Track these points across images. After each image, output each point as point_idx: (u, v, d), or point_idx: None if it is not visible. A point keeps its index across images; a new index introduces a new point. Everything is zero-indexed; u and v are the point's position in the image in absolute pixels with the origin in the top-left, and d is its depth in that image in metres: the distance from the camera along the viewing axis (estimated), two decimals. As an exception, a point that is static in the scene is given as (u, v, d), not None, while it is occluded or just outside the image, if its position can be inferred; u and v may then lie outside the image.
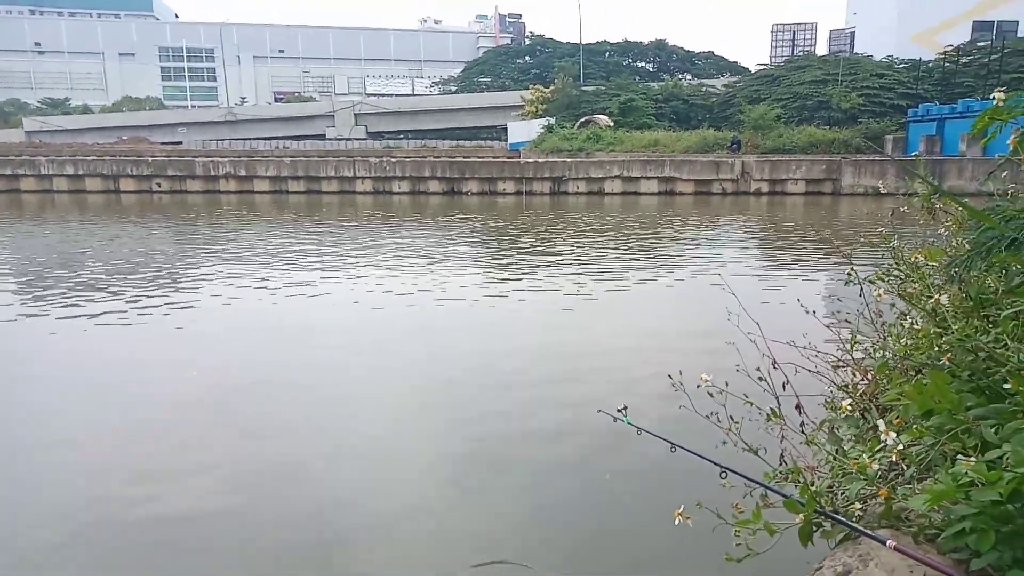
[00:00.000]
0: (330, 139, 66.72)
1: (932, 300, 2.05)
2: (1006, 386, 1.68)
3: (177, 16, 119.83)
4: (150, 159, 34.12)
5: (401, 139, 67.88)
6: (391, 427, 5.96)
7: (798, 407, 2.67)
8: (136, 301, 10.39)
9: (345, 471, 5.18)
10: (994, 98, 2.34)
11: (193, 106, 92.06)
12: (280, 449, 5.50)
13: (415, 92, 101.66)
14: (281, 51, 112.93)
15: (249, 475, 5.09)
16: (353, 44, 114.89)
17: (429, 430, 5.93)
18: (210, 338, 8.72)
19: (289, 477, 5.04)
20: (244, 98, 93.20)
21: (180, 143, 62.77)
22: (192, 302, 10.55)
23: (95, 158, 34.57)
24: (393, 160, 33.41)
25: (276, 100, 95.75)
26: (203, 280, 12.20)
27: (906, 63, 43.53)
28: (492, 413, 6.19)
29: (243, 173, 31.86)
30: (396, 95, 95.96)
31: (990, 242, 2.45)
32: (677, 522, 1.91)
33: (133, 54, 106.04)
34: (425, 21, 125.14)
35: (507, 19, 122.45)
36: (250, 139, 65.73)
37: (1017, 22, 50.74)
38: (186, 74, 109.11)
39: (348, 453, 5.46)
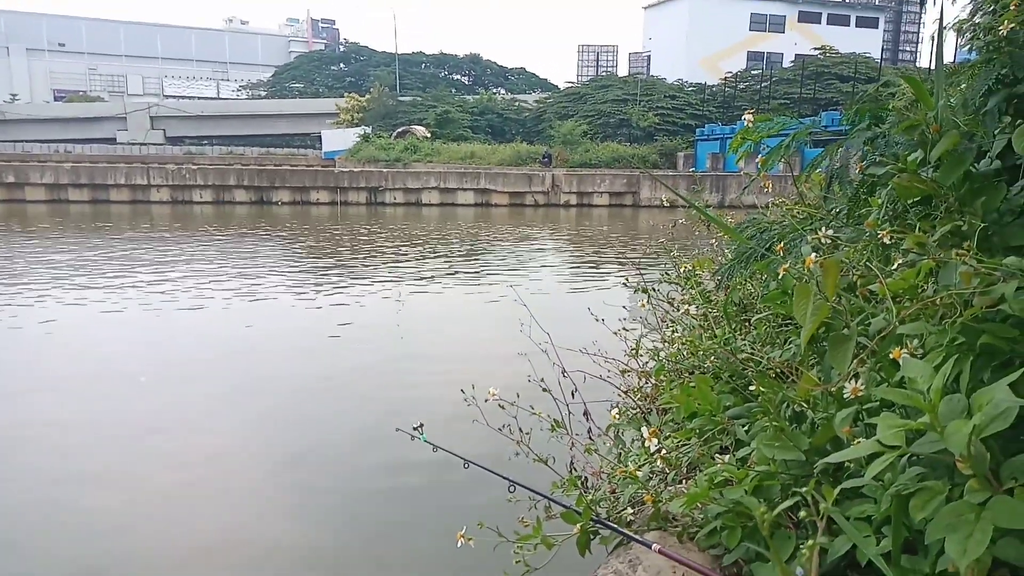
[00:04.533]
0: (122, 143, 60.82)
1: (683, 309, 2.18)
2: (754, 387, 1.81)
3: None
4: None
5: (205, 145, 63.46)
6: (187, 444, 5.46)
7: (586, 414, 2.76)
8: None
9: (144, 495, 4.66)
10: (745, 120, 2.56)
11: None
12: (70, 473, 4.84)
13: (220, 96, 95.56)
14: (61, 44, 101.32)
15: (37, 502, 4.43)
16: (149, 41, 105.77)
17: (218, 450, 5.51)
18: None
19: (82, 506, 4.45)
20: (15, 95, 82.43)
21: (-70, 144, 54.22)
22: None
23: None
24: (194, 167, 31.12)
25: (57, 99, 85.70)
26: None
27: (694, 86, 47.85)
28: (285, 431, 5.90)
29: (11, 180, 28.13)
30: (199, 98, 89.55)
31: (747, 252, 2.68)
32: (460, 544, 1.86)
33: None
34: (231, 21, 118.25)
35: (320, 24, 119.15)
36: (23, 141, 58.21)
37: (783, 54, 57.71)
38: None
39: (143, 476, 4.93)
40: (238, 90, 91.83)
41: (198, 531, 4.41)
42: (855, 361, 1.42)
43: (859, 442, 1.23)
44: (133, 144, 60.49)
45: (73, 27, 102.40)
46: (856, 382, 1.32)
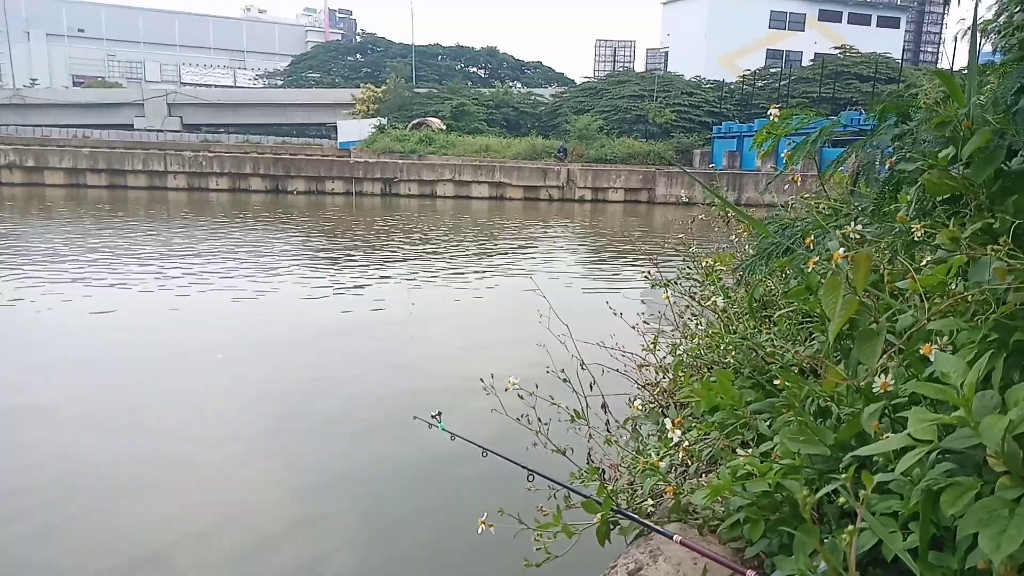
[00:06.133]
0: (139, 130, 61.20)
1: (710, 302, 2.18)
2: (777, 382, 1.80)
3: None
4: (-90, 144, 29.51)
5: (221, 133, 63.68)
6: (210, 424, 5.52)
7: (604, 406, 2.77)
8: None
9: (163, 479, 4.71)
10: (770, 115, 2.54)
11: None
12: (99, 455, 4.91)
13: (237, 84, 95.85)
14: (81, 30, 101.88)
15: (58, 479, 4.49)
16: (167, 28, 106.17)
17: (237, 432, 5.56)
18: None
19: (96, 485, 4.51)
20: (35, 80, 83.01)
21: (-49, 127, 54.79)
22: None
23: None
24: (210, 155, 31.28)
25: (76, 84, 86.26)
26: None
27: (712, 83, 47.52)
28: (301, 419, 5.94)
29: (31, 163, 28.38)
30: (216, 86, 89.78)
31: (769, 248, 2.66)
32: (480, 530, 1.88)
33: None
34: (248, 10, 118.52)
35: (337, 14, 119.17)
36: (43, 126, 58.73)
37: (802, 52, 57.22)
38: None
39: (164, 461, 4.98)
40: (255, 79, 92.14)
41: (207, 514, 4.46)
42: (883, 356, 1.42)
43: (888, 437, 1.23)
44: (150, 131, 60.81)
45: (92, 13, 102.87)
46: (885, 377, 1.32)
